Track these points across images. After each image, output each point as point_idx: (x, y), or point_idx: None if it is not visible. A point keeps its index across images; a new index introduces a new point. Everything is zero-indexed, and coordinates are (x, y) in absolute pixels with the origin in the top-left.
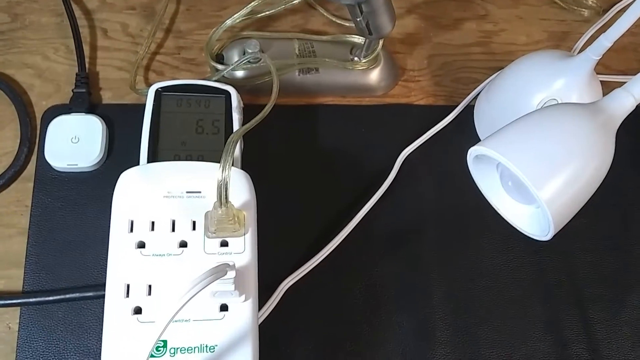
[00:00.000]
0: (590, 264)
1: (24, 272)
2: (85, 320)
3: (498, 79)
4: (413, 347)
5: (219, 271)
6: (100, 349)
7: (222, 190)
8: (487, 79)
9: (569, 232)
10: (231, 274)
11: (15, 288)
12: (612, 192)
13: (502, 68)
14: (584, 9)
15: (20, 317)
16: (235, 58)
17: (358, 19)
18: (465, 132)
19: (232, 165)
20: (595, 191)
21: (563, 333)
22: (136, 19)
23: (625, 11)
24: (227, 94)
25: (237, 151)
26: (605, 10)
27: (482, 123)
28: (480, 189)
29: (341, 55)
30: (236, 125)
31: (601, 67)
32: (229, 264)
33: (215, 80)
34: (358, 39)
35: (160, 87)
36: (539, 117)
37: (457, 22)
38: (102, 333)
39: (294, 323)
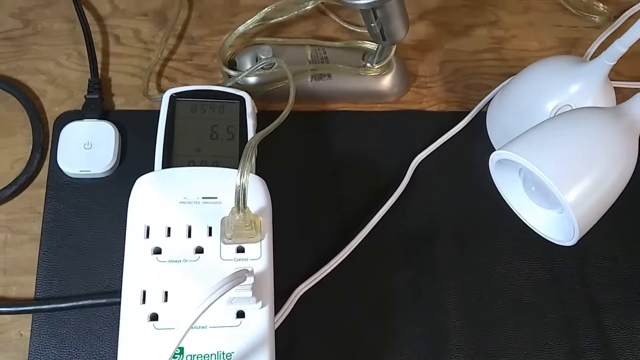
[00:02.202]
0: (605, 269)
1: (36, 279)
2: (97, 327)
3: (511, 85)
4: (427, 354)
5: (239, 277)
6: (113, 356)
7: (240, 196)
8: (499, 85)
9: (584, 238)
10: (250, 280)
11: (28, 295)
12: (627, 196)
13: (514, 74)
14: (595, 15)
15: (32, 324)
16: (248, 64)
17: (372, 25)
18: (477, 139)
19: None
20: None
21: (578, 340)
22: (148, 26)
23: (636, 17)
24: (242, 100)
25: (252, 158)
26: (617, 17)
27: (494, 129)
28: (502, 194)
29: (353, 62)
30: (250, 131)
31: (612, 73)
32: (247, 270)
33: (229, 86)
34: (370, 45)
35: (175, 93)
36: (562, 121)
37: (468, 29)
38: (115, 340)
39: (308, 329)
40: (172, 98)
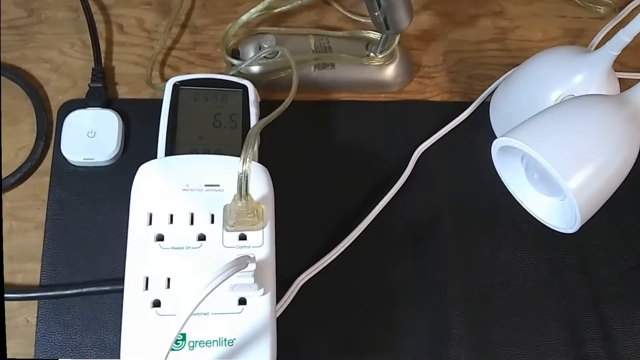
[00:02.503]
0: (607, 261)
1: (41, 266)
2: (101, 314)
3: (515, 75)
4: (428, 344)
5: (240, 263)
6: (117, 343)
7: (243, 183)
8: (502, 75)
9: (586, 229)
10: (252, 266)
11: (33, 282)
12: (630, 188)
13: (518, 64)
14: (599, 6)
15: (38, 311)
16: (251, 53)
17: (376, 13)
18: (480, 129)
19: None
20: None
21: (579, 331)
22: (152, 15)
23: None
24: (245, 88)
25: (255, 145)
26: (621, 8)
27: (498, 119)
28: (503, 181)
29: (357, 51)
30: (253, 120)
31: (617, 64)
32: (249, 256)
33: (232, 75)
34: (374, 35)
35: (178, 81)
36: (565, 108)
37: (472, 19)
38: (119, 327)
39: (310, 318)
40: (176, 86)
